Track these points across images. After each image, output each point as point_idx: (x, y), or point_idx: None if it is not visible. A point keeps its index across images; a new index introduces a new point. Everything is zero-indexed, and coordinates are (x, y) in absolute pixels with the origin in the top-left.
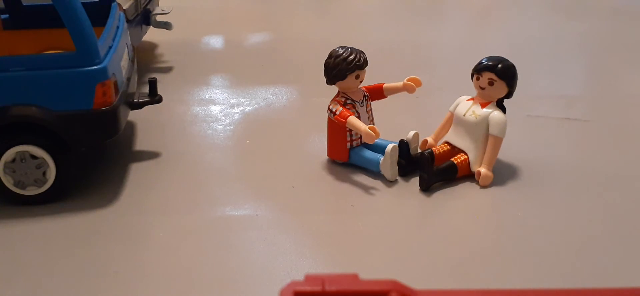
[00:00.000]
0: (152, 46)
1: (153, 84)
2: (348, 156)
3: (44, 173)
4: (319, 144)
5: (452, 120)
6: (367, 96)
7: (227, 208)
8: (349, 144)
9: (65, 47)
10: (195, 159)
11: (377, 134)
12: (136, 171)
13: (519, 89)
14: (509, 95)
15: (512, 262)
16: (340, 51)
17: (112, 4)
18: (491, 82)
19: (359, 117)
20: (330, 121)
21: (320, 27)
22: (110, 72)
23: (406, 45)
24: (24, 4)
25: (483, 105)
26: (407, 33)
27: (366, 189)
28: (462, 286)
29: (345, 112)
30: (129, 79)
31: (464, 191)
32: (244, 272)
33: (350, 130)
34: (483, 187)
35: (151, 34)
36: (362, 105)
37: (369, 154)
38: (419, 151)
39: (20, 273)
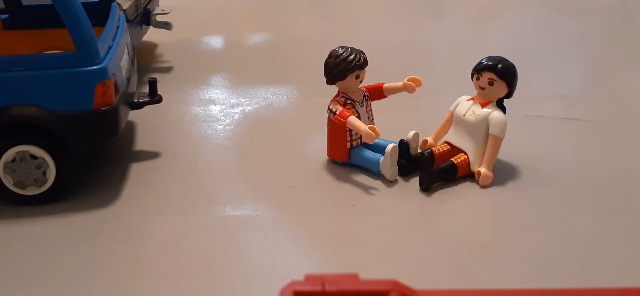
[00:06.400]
0: (152, 46)
1: (153, 84)
2: (348, 156)
3: (44, 173)
4: (319, 144)
5: (452, 120)
6: (367, 96)
7: (227, 208)
8: (349, 144)
9: (65, 47)
10: (195, 159)
11: (377, 134)
12: (136, 171)
13: (519, 89)
14: (509, 95)
15: (512, 262)
16: (340, 51)
17: (112, 4)
18: (491, 82)
19: (359, 117)
20: (330, 121)
21: (320, 27)
22: (110, 72)
23: (406, 46)
24: (24, 4)
25: (483, 105)
26: (407, 33)
27: (366, 189)
28: (462, 286)
29: (345, 112)
30: (129, 79)
31: (464, 191)
32: (244, 272)
33: (350, 130)
34: (483, 187)
35: (151, 34)
36: (362, 105)
37: (369, 154)
38: (419, 151)
39: (20, 273)
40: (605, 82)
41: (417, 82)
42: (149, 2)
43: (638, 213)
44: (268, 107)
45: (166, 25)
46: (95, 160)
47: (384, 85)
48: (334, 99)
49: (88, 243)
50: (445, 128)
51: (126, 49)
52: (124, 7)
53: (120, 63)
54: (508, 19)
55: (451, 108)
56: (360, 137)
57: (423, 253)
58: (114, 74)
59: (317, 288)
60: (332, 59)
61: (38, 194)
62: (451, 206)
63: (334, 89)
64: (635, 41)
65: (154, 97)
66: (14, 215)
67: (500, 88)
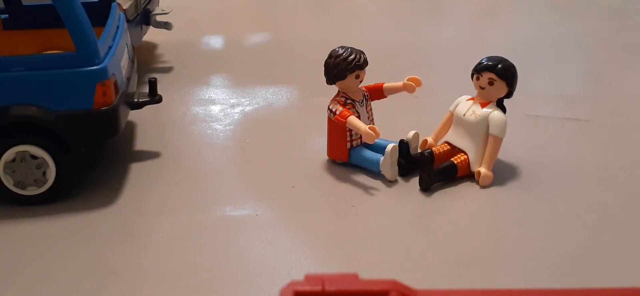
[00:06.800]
0: (152, 46)
1: (153, 84)
2: (348, 156)
3: (44, 173)
4: (319, 144)
5: (452, 120)
6: (367, 95)
7: (227, 208)
8: (349, 144)
9: (65, 47)
10: (195, 159)
11: (377, 134)
12: (136, 171)
13: (519, 89)
14: (509, 95)
15: (512, 262)
16: (340, 51)
17: (112, 4)
18: (491, 82)
19: (359, 117)
20: (330, 121)
21: (320, 27)
22: (110, 72)
23: (406, 46)
24: (24, 4)
25: (483, 105)
26: (407, 33)
27: (366, 189)
28: (462, 286)
29: (345, 112)
30: (129, 79)
31: (464, 191)
32: (244, 272)
33: (350, 130)
34: (483, 187)
35: (151, 34)
36: (362, 105)
37: (369, 154)
38: (419, 151)
39: (20, 273)
40: (605, 82)
41: (417, 82)
42: (149, 2)
43: (638, 213)
44: (268, 107)
45: (166, 25)
46: (95, 160)
47: (384, 85)
48: (334, 99)
49: (88, 243)
50: (445, 128)
51: (126, 49)
52: (124, 7)
53: (120, 63)
54: (508, 19)
55: (451, 108)
56: (360, 137)
57: (423, 253)
58: (114, 74)
59: (317, 288)
60: (332, 59)
61: (38, 194)
62: (451, 206)
63: (334, 89)
64: (635, 41)
65: (154, 97)
66: (14, 215)
67: (500, 88)
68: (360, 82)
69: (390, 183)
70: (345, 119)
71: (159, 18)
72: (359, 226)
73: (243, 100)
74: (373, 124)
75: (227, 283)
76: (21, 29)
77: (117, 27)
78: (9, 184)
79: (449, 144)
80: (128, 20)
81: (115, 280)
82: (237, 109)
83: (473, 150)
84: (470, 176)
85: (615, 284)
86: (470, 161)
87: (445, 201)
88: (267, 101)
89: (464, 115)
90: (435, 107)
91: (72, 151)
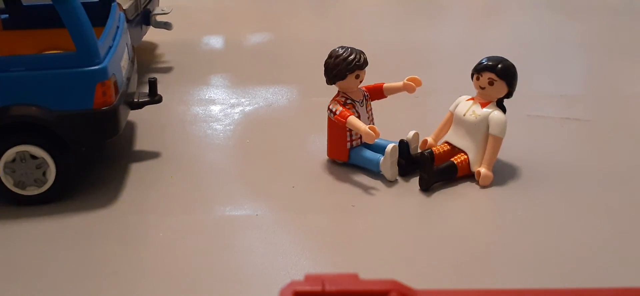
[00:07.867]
0: (152, 46)
1: (153, 84)
2: (348, 156)
3: (44, 173)
4: (319, 144)
5: (452, 120)
6: (367, 96)
7: (227, 208)
8: (349, 144)
9: (65, 47)
10: (195, 159)
11: (377, 134)
12: (136, 171)
13: (519, 89)
14: (509, 95)
15: (512, 262)
16: (340, 51)
17: (112, 4)
18: (491, 82)
19: (359, 117)
20: (330, 121)
21: (320, 27)
22: (110, 72)
23: (406, 45)
24: (24, 4)
25: (483, 105)
26: (407, 33)
27: (366, 189)
28: (462, 286)
29: (345, 112)
30: (129, 79)
31: (464, 191)
32: (244, 272)
33: (350, 130)
34: (483, 187)
35: (151, 34)
36: (362, 105)
37: (369, 154)
38: (419, 151)
39: (19, 273)
40: (605, 82)
41: (417, 82)
42: (149, 2)
43: (638, 213)
44: (268, 107)
45: (166, 25)
46: (95, 160)
47: (384, 85)
48: (334, 99)
49: (88, 243)
50: (445, 128)
51: (126, 49)
52: (124, 7)
53: (120, 63)
54: (508, 19)
55: (451, 108)
56: (360, 137)
57: (423, 253)
58: (114, 74)
59: (317, 288)
60: (332, 59)
61: (38, 194)
62: (451, 206)
63: (334, 89)
64: (635, 41)
65: (154, 97)
66: (14, 215)
67: (500, 88)
68: (360, 82)
69: (390, 183)
70: (345, 119)
71: (159, 18)
72: (359, 226)
73: (243, 100)
74: (373, 124)
75: (227, 283)
76: (21, 29)
77: (117, 27)
78: (9, 184)
79: (449, 144)
80: (128, 20)
81: (115, 280)
82: (237, 109)
83: (473, 150)
84: (470, 176)
85: (615, 284)
86: (470, 161)
87: (445, 201)
88: (267, 101)
89: (464, 115)
90: (435, 107)
91: (72, 151)
